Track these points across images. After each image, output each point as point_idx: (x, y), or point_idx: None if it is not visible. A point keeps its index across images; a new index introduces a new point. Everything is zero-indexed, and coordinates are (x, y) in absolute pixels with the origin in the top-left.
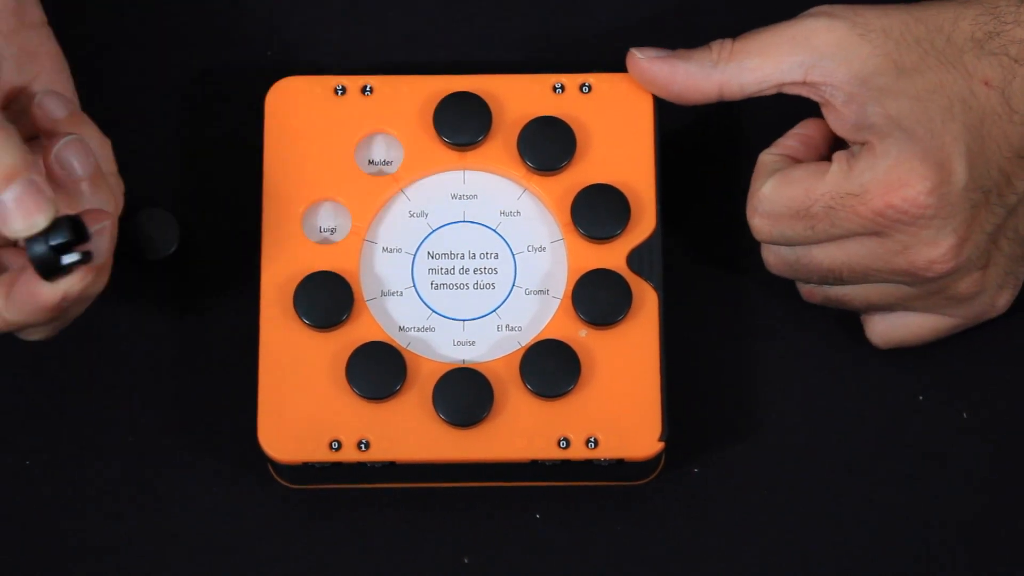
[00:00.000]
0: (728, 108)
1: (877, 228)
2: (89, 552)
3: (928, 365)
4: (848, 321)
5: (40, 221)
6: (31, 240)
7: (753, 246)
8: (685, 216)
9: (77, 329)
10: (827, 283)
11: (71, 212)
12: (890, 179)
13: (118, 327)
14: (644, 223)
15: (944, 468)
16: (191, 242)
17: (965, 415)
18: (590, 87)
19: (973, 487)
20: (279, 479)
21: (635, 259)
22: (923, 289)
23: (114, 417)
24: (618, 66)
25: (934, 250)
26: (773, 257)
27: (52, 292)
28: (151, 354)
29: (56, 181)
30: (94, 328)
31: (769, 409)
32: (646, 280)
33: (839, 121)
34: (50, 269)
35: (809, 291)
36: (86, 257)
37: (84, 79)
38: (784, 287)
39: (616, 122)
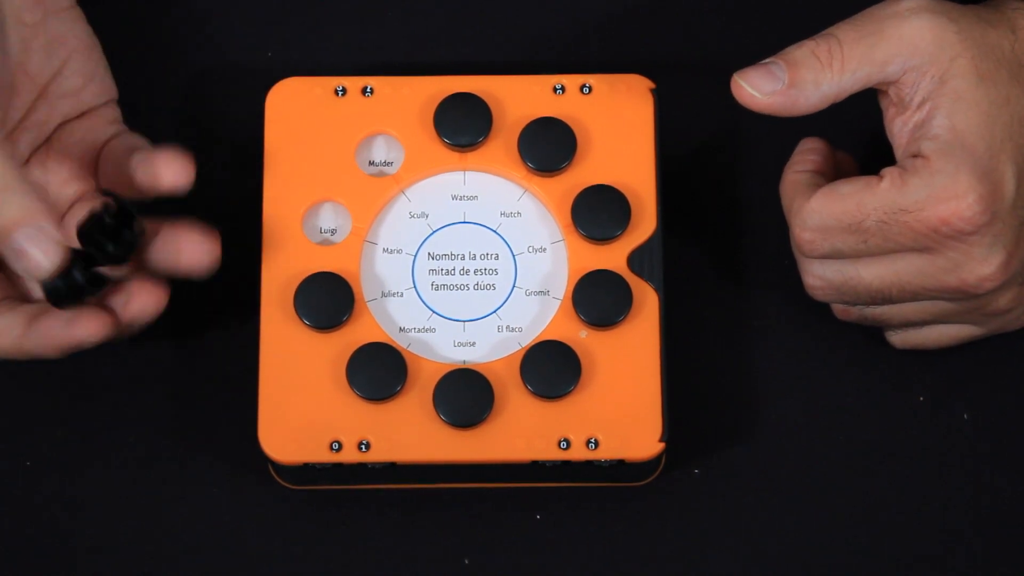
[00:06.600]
0: (728, 108)
1: (929, 244)
2: (89, 552)
3: (928, 365)
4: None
5: (48, 266)
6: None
7: (753, 247)
8: (685, 217)
9: None
10: (875, 304)
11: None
12: (945, 195)
13: None
14: (644, 224)
15: (944, 468)
16: None
17: (965, 415)
18: (590, 88)
19: (973, 488)
20: (280, 480)
21: (635, 260)
22: (964, 306)
23: (114, 417)
24: (618, 66)
25: (985, 267)
26: (819, 282)
27: (66, 335)
28: (151, 354)
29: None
30: None
31: (769, 409)
32: (646, 281)
33: (902, 124)
34: (60, 298)
35: (844, 310)
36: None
37: None
38: (784, 288)
39: (616, 123)
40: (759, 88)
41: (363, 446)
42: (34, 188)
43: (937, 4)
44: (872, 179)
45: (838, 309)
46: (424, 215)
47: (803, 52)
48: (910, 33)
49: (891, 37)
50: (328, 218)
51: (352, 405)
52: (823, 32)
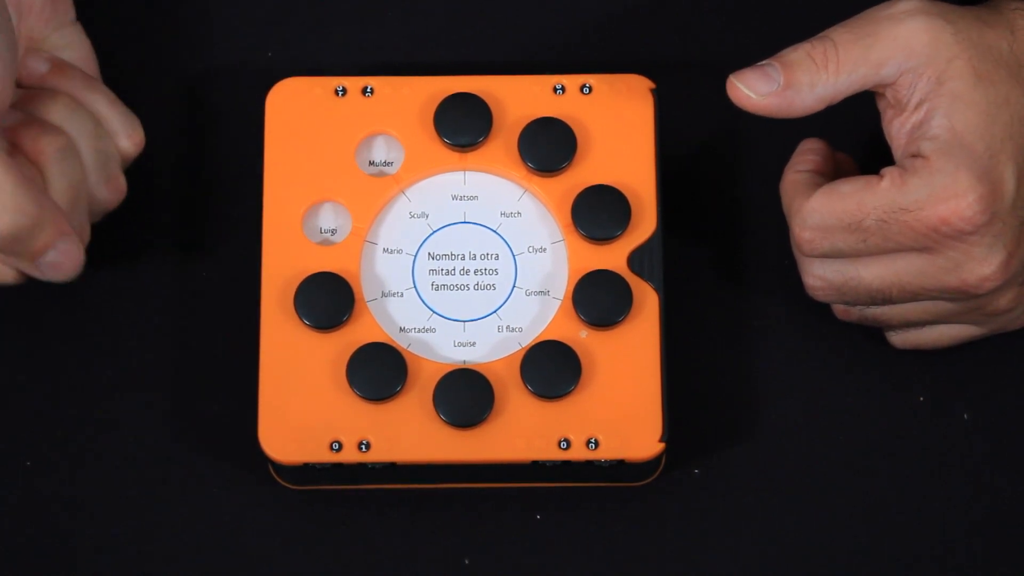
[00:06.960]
0: (728, 108)
1: (929, 243)
2: (89, 552)
3: (928, 365)
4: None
5: (76, 270)
6: None
7: (753, 247)
8: (685, 217)
9: (77, 328)
10: (875, 304)
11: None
12: (945, 195)
13: (118, 327)
14: (644, 224)
15: (944, 468)
16: (192, 242)
17: (965, 415)
18: (590, 88)
19: (973, 488)
20: (280, 480)
21: (635, 260)
22: (964, 306)
23: (114, 417)
24: (618, 66)
25: (985, 267)
26: (819, 282)
27: None
28: (151, 354)
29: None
30: (94, 327)
31: (769, 410)
32: (646, 281)
33: (900, 125)
34: None
35: (844, 310)
36: None
37: None
38: (784, 288)
39: (616, 123)
40: (755, 89)
41: (363, 446)
42: (48, 199)
43: (933, 6)
44: (872, 178)
45: (838, 309)
46: (424, 215)
47: (799, 54)
48: (906, 35)
49: (886, 39)
50: (328, 218)
51: (352, 405)
52: (819, 35)
